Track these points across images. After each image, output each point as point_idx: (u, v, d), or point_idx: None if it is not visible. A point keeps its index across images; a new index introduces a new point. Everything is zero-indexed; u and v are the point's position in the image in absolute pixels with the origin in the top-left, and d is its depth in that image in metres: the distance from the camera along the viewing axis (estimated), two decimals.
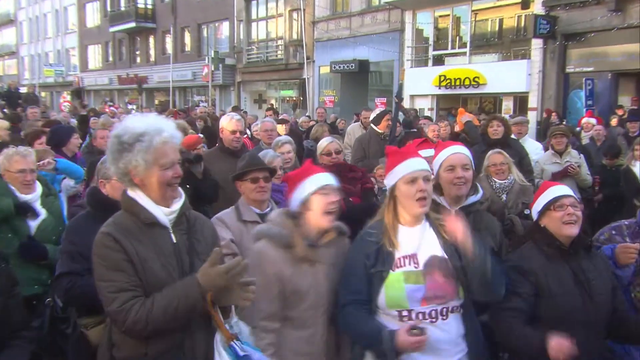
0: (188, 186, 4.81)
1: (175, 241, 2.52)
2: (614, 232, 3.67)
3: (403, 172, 2.84)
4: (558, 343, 2.72)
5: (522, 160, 6.55)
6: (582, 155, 7.51)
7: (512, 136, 7.38)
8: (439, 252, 2.85)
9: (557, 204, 3.13)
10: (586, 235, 3.19)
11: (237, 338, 2.43)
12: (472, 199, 3.38)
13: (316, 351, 2.98)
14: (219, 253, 2.39)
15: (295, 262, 2.92)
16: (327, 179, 3.00)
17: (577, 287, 3.01)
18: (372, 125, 7.67)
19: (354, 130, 9.35)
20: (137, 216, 2.48)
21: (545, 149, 7.83)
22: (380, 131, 7.48)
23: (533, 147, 7.78)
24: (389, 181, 2.92)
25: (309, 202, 2.94)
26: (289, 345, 2.93)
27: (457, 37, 21.33)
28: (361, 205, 4.82)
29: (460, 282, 2.81)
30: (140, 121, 2.50)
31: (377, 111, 7.93)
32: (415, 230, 2.89)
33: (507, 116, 11.11)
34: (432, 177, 3.50)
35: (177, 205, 2.56)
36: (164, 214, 2.51)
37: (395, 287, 2.77)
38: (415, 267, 2.80)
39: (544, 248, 3.11)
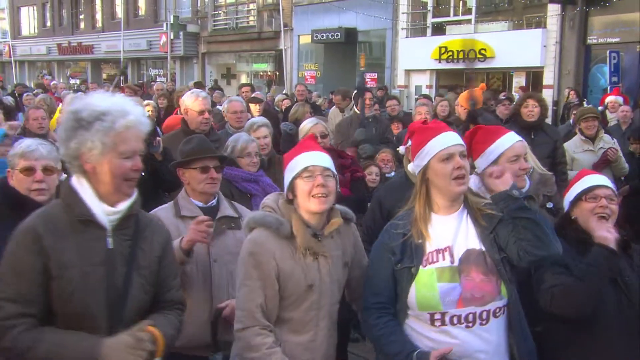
0: (143, 173, 4.79)
1: (111, 247, 2.47)
2: None
3: (437, 149, 2.86)
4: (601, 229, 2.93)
5: (556, 150, 6.58)
6: (615, 139, 7.56)
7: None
8: (477, 244, 2.88)
9: (591, 195, 3.21)
10: (623, 231, 3.23)
11: None
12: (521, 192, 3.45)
13: (314, 358, 2.99)
14: (147, 326, 2.39)
15: (296, 254, 2.94)
16: (312, 158, 2.98)
17: (612, 286, 3.07)
18: (354, 107, 7.80)
19: (334, 115, 9.41)
20: (72, 210, 2.45)
21: (568, 134, 7.89)
22: (359, 112, 7.59)
23: None
24: (418, 162, 2.94)
25: (294, 187, 2.96)
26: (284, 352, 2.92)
27: (461, 2, 21.39)
28: (350, 199, 4.85)
29: (502, 278, 2.83)
30: (105, 99, 2.48)
31: (355, 91, 8.04)
32: (451, 219, 2.92)
33: (516, 95, 11.21)
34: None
35: (125, 204, 2.52)
36: (105, 213, 2.47)
37: (427, 285, 2.80)
38: (451, 262, 2.84)
39: (575, 244, 3.18)
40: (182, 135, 5.70)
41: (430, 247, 2.87)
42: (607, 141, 7.32)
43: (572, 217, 3.28)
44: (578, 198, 3.25)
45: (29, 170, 3.38)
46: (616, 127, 9.61)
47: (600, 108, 11.96)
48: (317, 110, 11.96)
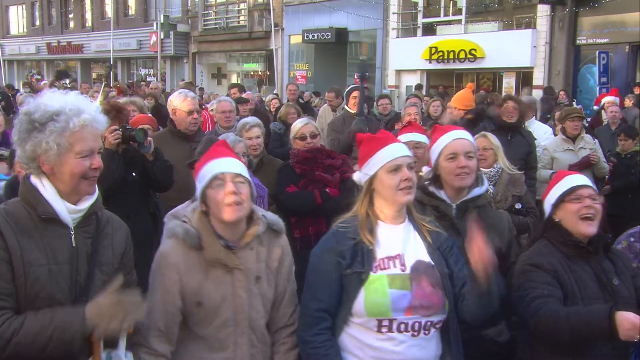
0: (134, 174, 4.77)
1: (74, 245, 2.46)
2: (632, 239, 3.71)
3: (384, 160, 2.84)
4: (630, 319, 2.71)
5: (529, 155, 6.67)
6: (596, 140, 7.63)
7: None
8: (425, 257, 2.87)
9: (573, 196, 3.16)
10: (604, 232, 3.22)
11: None
12: (476, 191, 3.40)
13: None
14: (119, 282, 2.38)
15: (206, 267, 2.80)
16: (220, 165, 2.84)
17: (601, 290, 3.06)
18: (345, 106, 7.81)
19: (325, 113, 9.40)
20: (34, 208, 2.41)
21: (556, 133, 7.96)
22: (352, 111, 7.60)
23: (541, 131, 7.88)
24: (365, 171, 2.90)
25: (206, 198, 2.83)
26: None
27: (451, 3, 21.44)
28: (339, 200, 4.83)
29: (446, 294, 2.83)
30: (58, 99, 2.45)
31: (346, 90, 8.06)
32: (399, 229, 2.90)
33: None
34: (430, 166, 3.54)
35: (87, 203, 2.51)
36: (68, 211, 2.45)
37: (378, 291, 2.76)
38: (402, 270, 2.81)
39: (561, 247, 3.15)
40: (168, 135, 5.68)
41: (381, 253, 2.84)
42: (587, 141, 7.41)
43: (556, 221, 3.22)
44: (560, 200, 3.19)
45: None
46: (605, 127, 9.66)
47: (595, 108, 12.04)
48: (308, 110, 11.95)
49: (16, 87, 24.68)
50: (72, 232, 2.47)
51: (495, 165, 5.19)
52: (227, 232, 2.83)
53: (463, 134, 3.47)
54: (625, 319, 2.70)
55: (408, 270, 2.81)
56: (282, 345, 3.00)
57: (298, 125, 5.10)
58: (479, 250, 2.62)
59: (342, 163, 5.02)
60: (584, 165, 7.14)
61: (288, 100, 11.69)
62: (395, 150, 2.87)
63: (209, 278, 2.79)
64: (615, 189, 7.58)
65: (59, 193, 2.44)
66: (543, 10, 18.22)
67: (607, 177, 7.70)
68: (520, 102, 7.04)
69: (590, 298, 3.03)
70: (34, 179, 2.46)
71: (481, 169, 5.30)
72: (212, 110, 8.08)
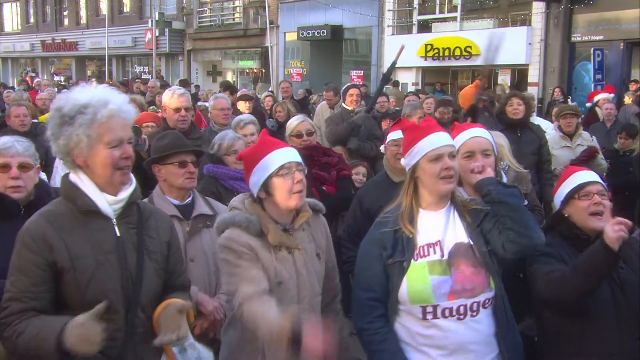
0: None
1: (118, 235, 2.53)
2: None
3: (426, 149, 2.91)
4: (611, 225, 2.82)
5: (541, 148, 6.63)
6: (594, 137, 7.63)
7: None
8: (465, 238, 2.93)
9: (583, 192, 3.23)
10: None
11: None
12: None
13: None
14: (102, 308, 2.36)
15: (270, 250, 2.94)
16: (285, 155, 3.00)
17: (606, 281, 3.08)
18: (342, 104, 7.83)
19: (322, 110, 9.40)
20: (75, 203, 2.48)
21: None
22: (349, 108, 7.60)
23: (543, 127, 7.89)
24: (409, 160, 2.98)
25: (270, 186, 2.95)
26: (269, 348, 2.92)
27: (446, 0, 21.45)
28: (336, 197, 4.85)
29: (490, 270, 2.89)
30: (86, 92, 2.51)
31: (343, 88, 8.08)
32: (440, 215, 2.97)
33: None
34: None
35: (126, 193, 2.57)
36: (108, 203, 2.51)
37: (419, 279, 2.84)
38: (441, 256, 2.89)
39: (569, 240, 3.22)
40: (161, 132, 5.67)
41: (421, 241, 2.91)
42: (585, 138, 7.41)
43: (565, 215, 3.29)
44: (570, 196, 3.26)
45: (4, 167, 3.34)
46: (601, 124, 9.67)
47: (588, 104, 12.04)
48: (304, 108, 11.94)
49: (10, 85, 24.60)
50: (115, 223, 2.54)
51: (501, 164, 5.28)
52: (283, 217, 3.00)
53: (480, 132, 3.52)
54: (609, 229, 2.82)
55: (446, 256, 2.88)
56: (333, 312, 3.26)
57: (294, 122, 5.10)
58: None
59: (339, 161, 5.03)
60: (588, 159, 7.13)
61: (282, 98, 11.69)
62: (438, 140, 2.94)
63: (277, 259, 2.93)
64: (613, 187, 7.55)
65: (96, 186, 2.51)
66: (538, 8, 18.24)
67: (604, 174, 7.70)
68: (524, 98, 6.98)
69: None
70: (72, 176, 2.53)
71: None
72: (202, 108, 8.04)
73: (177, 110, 5.54)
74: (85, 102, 2.45)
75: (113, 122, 2.47)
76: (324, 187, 4.77)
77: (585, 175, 3.30)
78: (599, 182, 3.27)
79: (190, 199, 3.77)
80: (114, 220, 2.54)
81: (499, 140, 5.38)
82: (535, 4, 18.22)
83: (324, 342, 2.43)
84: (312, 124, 5.13)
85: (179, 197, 3.73)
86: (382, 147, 4.66)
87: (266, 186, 2.95)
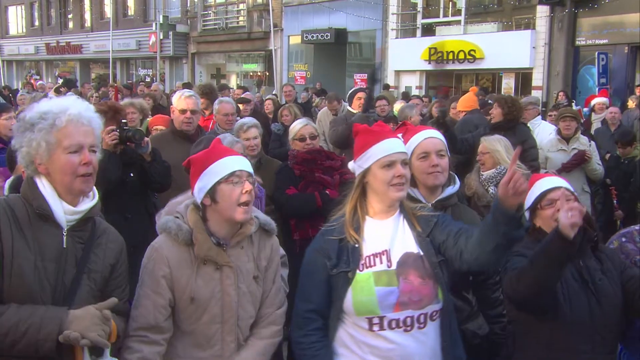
0: (132, 174, 4.77)
1: (64, 246, 2.48)
2: (624, 239, 3.71)
3: (378, 155, 2.84)
4: (564, 211, 2.71)
5: (523, 152, 6.56)
6: (592, 142, 7.60)
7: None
8: (414, 248, 2.84)
9: (545, 201, 3.19)
10: (592, 229, 3.19)
11: None
12: (449, 190, 3.44)
13: None
14: (112, 303, 2.44)
15: (197, 263, 2.82)
16: (237, 163, 2.88)
17: (583, 288, 3.07)
18: (347, 107, 7.86)
19: (324, 116, 9.41)
20: (30, 203, 2.47)
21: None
22: (354, 111, 7.60)
23: (547, 132, 7.87)
24: (360, 164, 2.90)
25: (216, 192, 2.83)
26: None
27: (451, 3, 21.46)
28: (339, 200, 4.83)
29: (439, 282, 2.82)
30: (50, 102, 2.56)
31: (350, 92, 8.11)
32: (387, 223, 2.89)
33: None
34: None
35: (85, 206, 2.55)
36: (64, 212, 2.49)
37: (365, 290, 2.76)
38: (388, 266, 2.80)
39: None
40: (170, 135, 5.66)
41: (367, 250, 2.83)
42: (582, 142, 7.38)
43: (537, 226, 3.23)
44: (535, 207, 3.21)
45: None
46: (604, 128, 9.65)
47: (585, 110, 12.02)
48: (307, 111, 11.93)
49: (15, 87, 24.65)
50: (65, 234, 2.50)
51: (498, 167, 5.30)
52: (222, 229, 2.85)
53: (434, 133, 3.51)
54: (561, 215, 2.72)
55: (394, 266, 2.80)
56: (259, 332, 3.02)
57: (297, 126, 5.09)
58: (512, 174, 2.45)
59: (342, 164, 5.01)
60: (577, 163, 7.12)
61: (285, 102, 11.68)
62: (391, 146, 2.87)
63: (199, 274, 2.81)
64: (629, 208, 7.38)
65: (57, 193, 2.49)
66: (542, 11, 18.22)
67: (615, 202, 7.60)
68: (499, 102, 6.99)
69: (572, 295, 3.04)
70: (36, 178, 2.52)
71: (482, 171, 5.38)
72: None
73: (183, 111, 5.54)
74: (45, 110, 2.48)
75: (72, 128, 2.47)
76: (327, 191, 4.75)
77: (547, 182, 3.25)
78: (561, 187, 3.20)
79: None
80: (65, 230, 2.50)
81: (495, 145, 5.42)
82: (539, 8, 18.20)
83: None
84: (315, 128, 5.12)
85: None
86: None
87: (212, 192, 2.83)
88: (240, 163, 2.89)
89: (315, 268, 2.86)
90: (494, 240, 2.55)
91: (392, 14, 22.31)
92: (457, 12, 21.12)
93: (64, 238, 2.49)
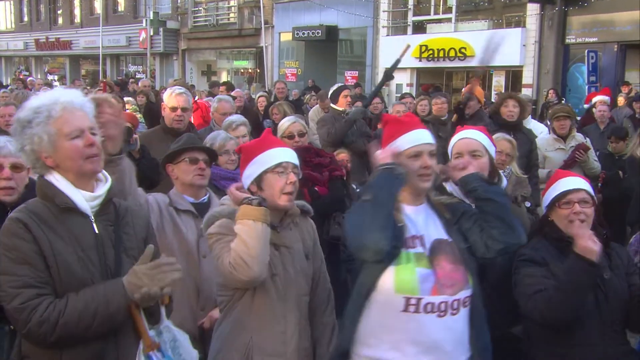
0: None
1: (97, 232, 2.54)
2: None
3: (407, 145, 2.89)
4: (582, 238, 2.89)
5: (531, 152, 6.62)
6: (587, 138, 7.62)
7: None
8: (444, 235, 2.91)
9: (564, 200, 3.23)
10: (602, 228, 3.29)
11: (159, 348, 2.49)
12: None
13: (287, 351, 2.99)
14: (151, 250, 2.48)
15: None
16: (284, 154, 3.03)
17: (592, 286, 3.09)
18: (331, 104, 7.81)
19: (315, 114, 9.40)
20: (52, 200, 2.49)
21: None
22: (339, 109, 7.58)
23: (537, 131, 7.88)
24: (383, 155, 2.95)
25: (262, 181, 2.98)
26: (256, 343, 2.94)
27: (441, 1, 21.49)
28: (328, 198, 4.84)
29: (468, 268, 2.86)
30: (40, 97, 2.58)
31: (334, 87, 8.04)
32: (419, 210, 2.95)
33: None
34: None
35: (102, 189, 2.59)
36: (85, 199, 2.53)
37: (407, 268, 2.78)
38: (424, 251, 2.85)
39: (555, 243, 3.23)
40: (161, 132, 5.67)
41: (407, 232, 2.87)
42: (578, 140, 7.37)
43: (550, 219, 3.31)
44: (553, 203, 3.28)
45: None
46: (594, 126, 9.67)
47: (585, 106, 12.04)
48: (298, 108, 11.93)
49: (4, 83, 24.51)
50: (93, 220, 2.54)
51: (506, 168, 5.33)
52: (270, 215, 2.92)
53: (471, 133, 3.54)
54: (580, 242, 2.90)
55: (428, 251, 2.85)
56: (325, 327, 3.18)
57: (285, 124, 5.10)
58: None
59: (331, 161, 5.02)
60: (572, 162, 7.13)
61: (277, 99, 11.66)
62: (419, 137, 2.92)
63: None
64: (609, 196, 7.42)
65: (72, 184, 2.52)
66: (532, 9, 18.29)
67: (599, 185, 7.53)
68: (520, 100, 6.93)
69: None
70: (47, 176, 2.54)
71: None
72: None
73: (174, 109, 5.55)
74: (37, 105, 2.50)
75: (68, 114, 2.50)
76: (316, 188, 4.76)
77: (570, 182, 3.29)
78: (582, 190, 3.25)
79: (206, 197, 3.91)
80: (92, 217, 2.55)
81: (514, 147, 5.43)
82: (529, 6, 18.26)
83: None
84: (303, 125, 5.13)
85: (194, 195, 3.86)
86: None
87: (259, 180, 2.98)
88: (287, 155, 3.04)
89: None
90: (482, 209, 2.86)
91: (383, 11, 22.33)
92: (447, 10, 21.17)
93: (94, 224, 2.54)
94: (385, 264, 2.78)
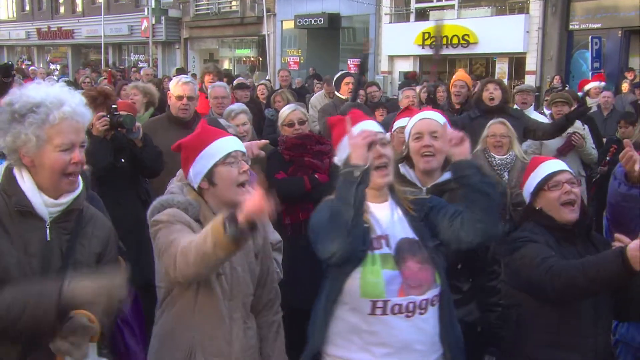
0: (123, 160, 4.78)
1: (48, 239, 2.42)
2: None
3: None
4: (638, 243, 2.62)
5: (527, 133, 6.61)
6: (585, 125, 7.63)
7: (515, 106, 7.51)
8: (410, 233, 2.83)
9: (552, 183, 3.15)
10: (586, 215, 3.24)
11: None
12: (447, 175, 3.33)
13: (232, 351, 2.86)
14: (123, 274, 2.33)
15: None
16: (231, 144, 2.89)
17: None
18: (336, 92, 7.82)
19: (318, 101, 9.40)
20: (10, 199, 2.40)
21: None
22: (343, 97, 7.59)
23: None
24: (340, 155, 2.86)
25: (214, 175, 2.83)
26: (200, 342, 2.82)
27: None
28: (329, 185, 4.85)
29: (436, 266, 2.81)
30: (41, 90, 2.41)
31: (336, 75, 8.05)
32: (384, 207, 2.88)
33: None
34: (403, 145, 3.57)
35: (68, 198, 2.47)
36: (45, 204, 2.42)
37: (373, 271, 2.71)
38: (389, 251, 2.77)
39: (548, 230, 3.14)
40: (165, 120, 5.67)
41: (373, 233, 2.79)
42: (576, 127, 7.35)
43: (537, 208, 3.22)
44: (539, 188, 3.19)
45: None
46: (597, 113, 9.67)
47: (580, 94, 12.03)
48: (302, 97, 11.90)
49: None
50: (48, 226, 2.44)
51: (510, 153, 5.29)
52: (221, 209, 2.78)
53: (432, 114, 3.50)
54: (635, 247, 2.61)
55: (393, 252, 2.77)
56: (271, 326, 3.07)
57: (286, 112, 5.10)
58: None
59: (331, 149, 5.03)
60: (567, 147, 7.14)
61: (280, 87, 11.64)
62: (372, 127, 2.87)
63: None
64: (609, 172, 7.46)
65: (38, 186, 2.41)
66: None
67: (607, 158, 7.46)
68: (500, 83, 6.92)
69: None
70: (15, 171, 2.44)
71: (496, 155, 5.35)
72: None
73: (180, 98, 5.53)
74: (38, 101, 2.36)
75: (65, 125, 2.38)
76: (316, 175, 4.78)
77: (553, 165, 3.24)
78: (567, 171, 3.21)
79: None
80: (48, 223, 2.44)
81: (512, 129, 5.42)
82: None
83: (260, 202, 2.27)
84: (304, 113, 5.13)
85: None
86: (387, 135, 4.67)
87: (210, 175, 2.83)
88: (234, 143, 2.90)
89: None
90: (472, 199, 2.73)
91: None
92: None
93: (47, 231, 2.43)
94: (351, 267, 2.71)
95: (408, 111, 4.75)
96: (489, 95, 6.64)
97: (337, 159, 2.93)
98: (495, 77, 17.26)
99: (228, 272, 2.82)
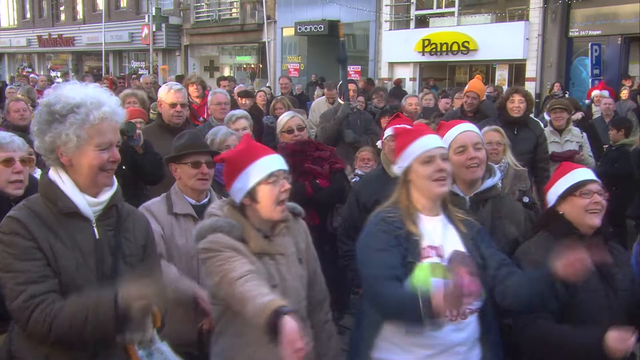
0: (124, 167, 4.77)
1: (97, 237, 2.50)
2: None
3: (418, 152, 2.92)
4: (619, 335, 2.73)
5: (538, 146, 6.51)
6: (584, 133, 7.64)
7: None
8: (461, 246, 2.94)
9: (584, 190, 3.17)
10: (604, 226, 3.25)
11: None
12: (489, 182, 3.46)
13: None
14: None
15: (253, 257, 2.86)
16: (274, 162, 2.95)
17: (601, 281, 3.09)
18: (338, 99, 7.87)
19: (318, 106, 9.40)
20: (54, 203, 2.45)
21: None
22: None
23: None
24: (401, 164, 2.99)
25: (256, 193, 2.89)
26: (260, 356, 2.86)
27: None
28: (330, 189, 4.88)
29: (481, 281, 2.83)
30: (78, 91, 2.47)
31: (340, 83, 8.08)
32: (437, 221, 2.98)
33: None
34: None
35: (107, 195, 2.54)
36: (88, 204, 2.48)
37: (422, 280, 2.78)
38: (439, 261, 2.88)
39: (563, 239, 3.07)
40: (157, 128, 5.66)
41: (424, 243, 2.90)
42: (575, 134, 7.40)
43: (560, 213, 3.24)
44: (568, 193, 3.20)
45: (8, 162, 3.34)
46: (599, 119, 9.69)
47: (587, 102, 12.08)
48: (302, 103, 11.91)
49: (7, 82, 24.57)
50: (94, 225, 2.51)
51: (503, 160, 5.30)
52: (264, 225, 2.92)
53: (469, 126, 3.55)
54: (614, 337, 2.74)
55: (446, 262, 2.87)
56: (323, 325, 3.18)
57: (284, 118, 5.12)
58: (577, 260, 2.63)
59: (331, 154, 5.04)
60: (566, 158, 7.11)
61: (281, 94, 11.64)
62: (429, 142, 2.95)
63: (259, 266, 2.84)
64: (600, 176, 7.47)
65: (77, 186, 2.48)
66: (536, 2, 18.23)
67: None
68: (526, 94, 6.75)
69: (591, 288, 3.05)
70: (52, 174, 2.49)
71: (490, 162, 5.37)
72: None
73: (173, 105, 5.54)
74: (78, 102, 2.41)
75: (105, 125, 2.45)
76: (317, 181, 4.78)
77: (586, 173, 3.26)
78: (597, 181, 3.23)
79: (207, 199, 3.76)
80: (94, 221, 2.51)
81: (506, 137, 5.41)
82: None
83: (300, 341, 2.29)
84: (302, 119, 5.16)
85: (195, 197, 3.73)
86: (379, 143, 4.67)
87: (252, 193, 2.89)
88: (278, 162, 2.96)
89: (391, 244, 2.86)
90: (530, 294, 2.77)
91: (386, 5, 22.29)
92: (450, 4, 21.12)
93: (95, 229, 2.51)
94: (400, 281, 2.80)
95: (398, 119, 4.75)
96: (514, 107, 6.49)
97: (397, 168, 3.03)
98: (496, 84, 17.30)
99: (279, 282, 2.89)
